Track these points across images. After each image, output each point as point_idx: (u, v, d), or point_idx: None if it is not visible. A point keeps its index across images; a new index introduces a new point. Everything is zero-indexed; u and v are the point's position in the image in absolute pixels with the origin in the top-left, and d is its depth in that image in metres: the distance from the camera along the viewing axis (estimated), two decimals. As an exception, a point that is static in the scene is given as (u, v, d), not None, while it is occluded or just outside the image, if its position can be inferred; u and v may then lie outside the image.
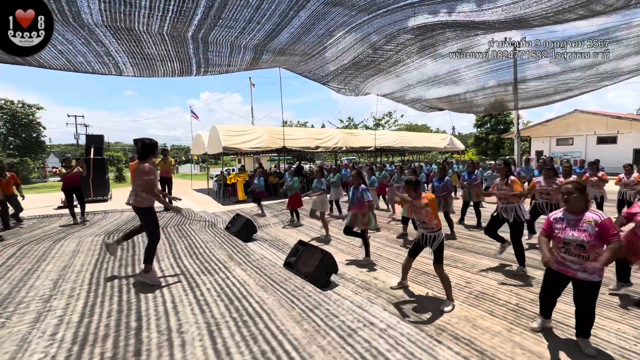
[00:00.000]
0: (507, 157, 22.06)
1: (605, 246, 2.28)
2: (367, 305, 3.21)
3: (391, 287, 3.73)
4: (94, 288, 3.60)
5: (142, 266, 3.90)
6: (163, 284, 3.76)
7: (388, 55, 7.67)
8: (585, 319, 2.43)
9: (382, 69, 8.60)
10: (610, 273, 3.49)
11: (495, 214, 4.41)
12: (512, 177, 4.21)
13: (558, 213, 2.56)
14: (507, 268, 4.23)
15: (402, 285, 3.73)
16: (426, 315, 3.04)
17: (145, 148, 3.78)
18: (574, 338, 2.57)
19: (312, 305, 3.13)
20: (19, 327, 2.75)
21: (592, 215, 2.35)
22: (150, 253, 3.87)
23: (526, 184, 7.19)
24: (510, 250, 4.26)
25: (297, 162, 24.65)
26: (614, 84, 7.25)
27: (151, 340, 2.55)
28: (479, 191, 5.35)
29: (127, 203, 9.59)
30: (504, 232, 4.35)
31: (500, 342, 2.56)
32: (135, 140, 4.01)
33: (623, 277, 3.44)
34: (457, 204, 7.97)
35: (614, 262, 3.27)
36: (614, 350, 2.44)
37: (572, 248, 2.35)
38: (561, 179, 5.03)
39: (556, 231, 2.49)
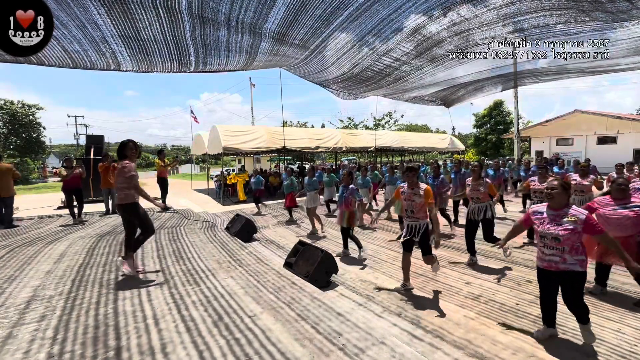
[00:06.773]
0: (507, 157, 22.05)
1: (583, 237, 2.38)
2: (369, 313, 3.14)
3: (395, 289, 3.63)
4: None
5: (126, 270, 3.86)
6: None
7: (388, 72, 7.63)
8: (577, 310, 2.46)
9: (382, 86, 8.62)
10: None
11: (469, 217, 4.46)
12: (486, 180, 4.45)
13: (540, 207, 2.62)
14: (506, 268, 4.23)
15: (407, 288, 3.60)
16: (431, 320, 2.99)
17: (122, 148, 3.93)
18: (575, 340, 2.57)
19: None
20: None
21: (574, 212, 2.42)
22: (138, 243, 3.92)
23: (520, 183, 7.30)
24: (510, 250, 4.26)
25: (299, 163, 24.63)
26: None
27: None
28: (451, 195, 6.05)
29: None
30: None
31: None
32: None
33: (602, 281, 3.38)
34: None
35: (594, 263, 3.28)
36: (614, 351, 2.43)
37: (549, 241, 2.44)
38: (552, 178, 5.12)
39: (535, 225, 2.57)
